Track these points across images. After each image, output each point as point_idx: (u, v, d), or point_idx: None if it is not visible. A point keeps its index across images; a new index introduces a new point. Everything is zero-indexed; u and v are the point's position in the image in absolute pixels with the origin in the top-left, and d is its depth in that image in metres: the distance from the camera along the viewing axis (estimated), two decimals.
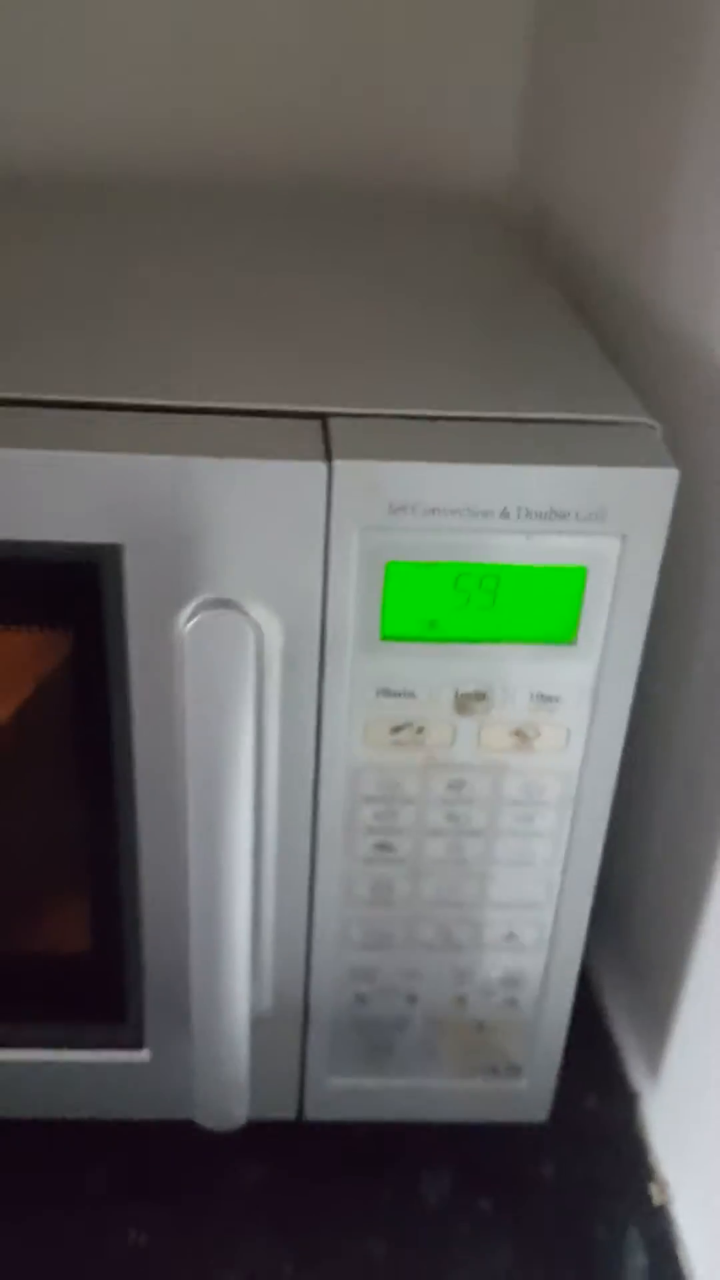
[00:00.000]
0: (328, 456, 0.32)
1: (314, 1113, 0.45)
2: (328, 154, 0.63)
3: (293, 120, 0.62)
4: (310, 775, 0.37)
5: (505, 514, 0.33)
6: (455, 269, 0.51)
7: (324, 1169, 0.47)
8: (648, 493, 0.33)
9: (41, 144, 0.61)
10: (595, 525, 0.33)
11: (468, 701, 0.36)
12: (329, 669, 0.35)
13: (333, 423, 0.33)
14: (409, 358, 0.39)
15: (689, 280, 0.44)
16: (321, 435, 0.33)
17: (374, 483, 0.32)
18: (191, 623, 0.32)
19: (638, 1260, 0.45)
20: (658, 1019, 0.49)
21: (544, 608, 0.35)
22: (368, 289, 0.47)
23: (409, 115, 0.63)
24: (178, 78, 0.61)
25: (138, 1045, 0.43)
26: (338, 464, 0.32)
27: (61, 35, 0.59)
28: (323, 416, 0.34)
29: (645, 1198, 0.47)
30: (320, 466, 0.32)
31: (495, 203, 0.64)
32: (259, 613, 0.34)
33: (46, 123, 0.61)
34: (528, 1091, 0.45)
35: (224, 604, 0.32)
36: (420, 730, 0.37)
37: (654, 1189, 0.47)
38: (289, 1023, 0.43)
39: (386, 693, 0.36)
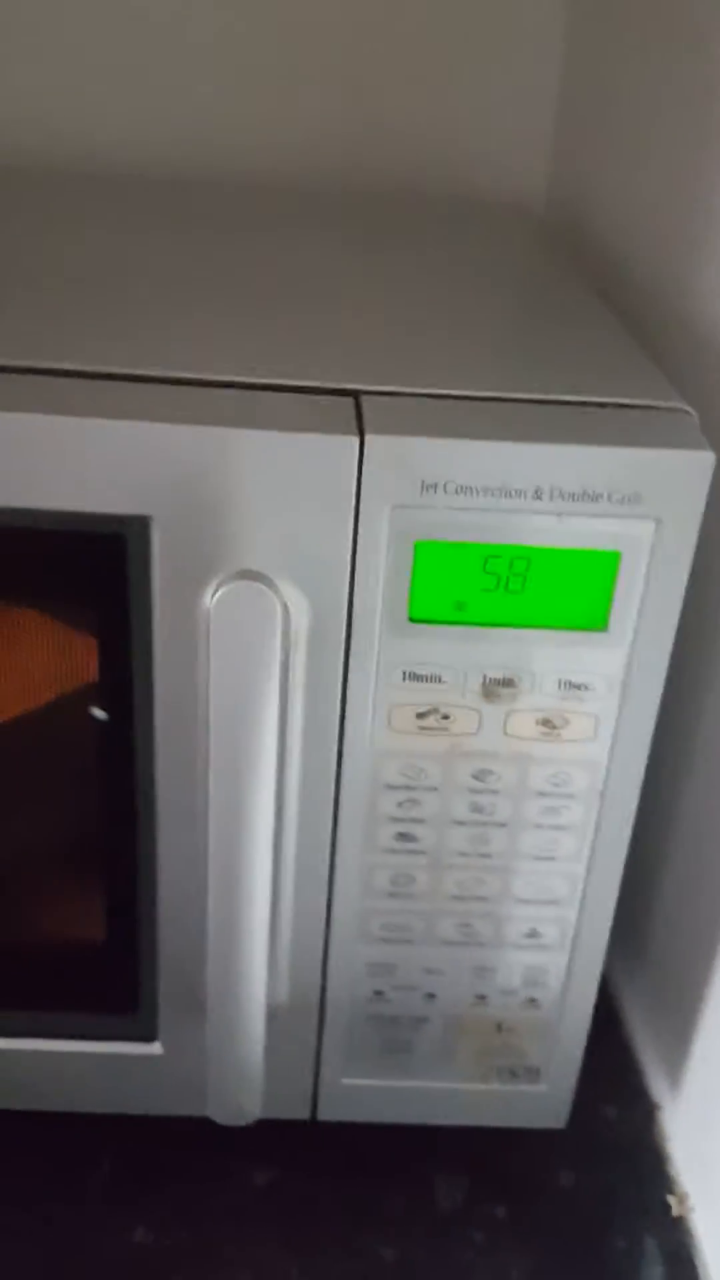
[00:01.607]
0: (360, 431, 0.32)
1: (327, 1113, 0.44)
2: (367, 159, 0.63)
3: (336, 125, 0.62)
4: (333, 761, 0.37)
5: (538, 494, 0.33)
6: (489, 263, 0.51)
7: (336, 1171, 0.46)
8: (683, 476, 0.33)
9: (116, 132, 0.61)
10: (629, 508, 0.33)
11: (495, 688, 0.36)
12: (355, 650, 0.35)
13: (365, 400, 0.33)
14: (442, 342, 0.39)
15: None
16: (354, 411, 0.33)
17: (406, 459, 0.32)
18: (218, 595, 0.31)
19: (655, 1271, 0.44)
20: (679, 1031, 0.48)
21: (575, 593, 0.34)
22: (403, 279, 0.47)
23: (446, 122, 0.63)
24: (229, 81, 0.61)
25: (150, 1038, 0.43)
26: (370, 439, 0.32)
27: (89, 29, 0.60)
28: (355, 394, 0.33)
29: (664, 1209, 0.46)
30: (352, 441, 0.31)
31: (530, 210, 0.64)
32: (287, 590, 0.33)
33: (115, 111, 0.61)
34: (547, 1095, 0.44)
35: (252, 576, 0.32)
36: (446, 716, 0.36)
37: (673, 1200, 0.46)
38: (304, 1018, 0.42)
39: (413, 676, 0.36)
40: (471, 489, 0.33)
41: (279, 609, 0.32)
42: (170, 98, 0.61)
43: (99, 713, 0.36)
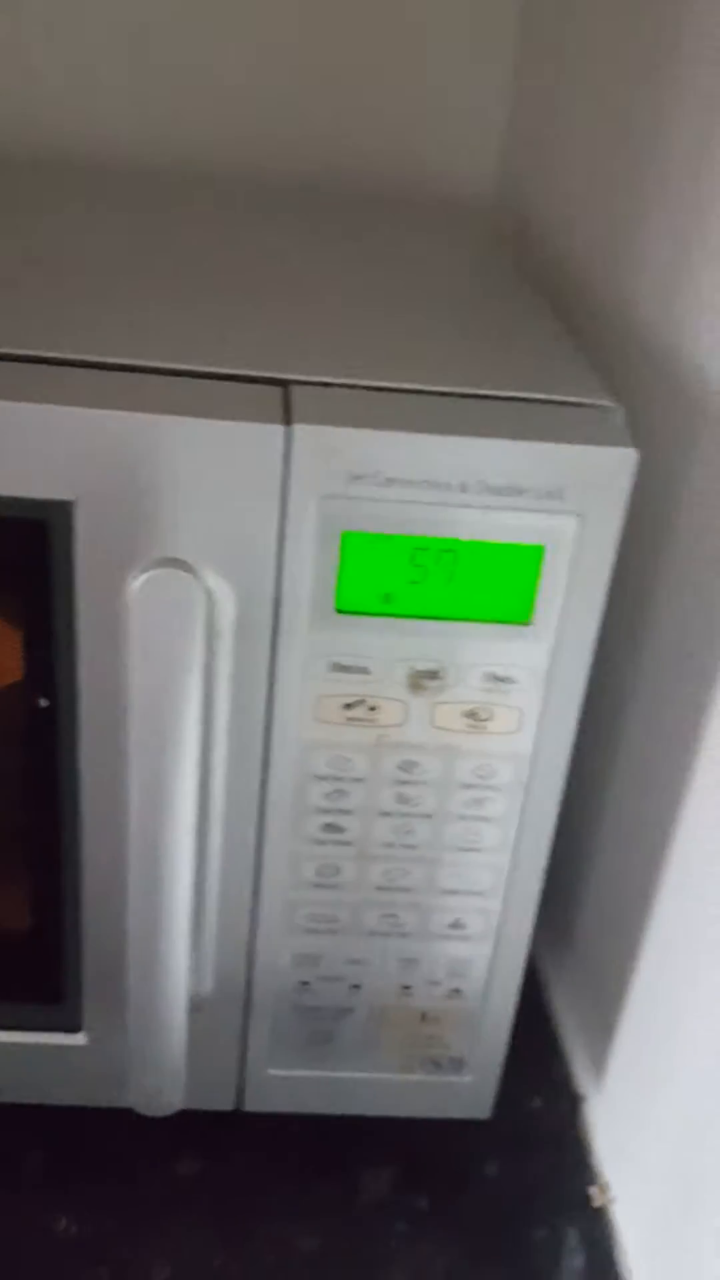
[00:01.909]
0: (287, 420, 0.32)
1: (253, 1104, 0.44)
2: (315, 155, 0.63)
3: (283, 119, 0.62)
4: (260, 751, 0.37)
5: (464, 487, 0.33)
6: (433, 259, 0.51)
7: (260, 1162, 0.46)
8: (606, 472, 0.33)
9: (39, 127, 0.61)
10: (553, 503, 0.33)
11: (421, 679, 0.36)
12: (282, 640, 0.35)
13: (294, 389, 0.33)
14: (375, 334, 0.39)
15: (660, 281, 0.44)
16: (282, 401, 0.33)
17: (333, 449, 0.32)
18: (140, 581, 0.31)
19: (576, 1261, 0.44)
20: (604, 1023, 0.48)
21: (500, 586, 0.35)
22: (340, 272, 0.47)
23: (396, 121, 0.63)
24: (176, 72, 0.61)
25: (75, 1028, 0.42)
26: (297, 428, 0.32)
27: (59, 21, 0.59)
28: (285, 383, 0.33)
29: (586, 1199, 0.46)
30: (278, 429, 0.31)
31: (479, 207, 0.64)
32: (212, 579, 0.33)
33: (27, 106, 0.61)
34: (471, 1086, 0.44)
35: (174, 563, 0.32)
36: (373, 708, 0.37)
37: (595, 1191, 0.47)
38: (230, 1009, 0.42)
39: (339, 667, 0.36)
40: (399, 481, 0.33)
41: (202, 596, 0.32)
42: (125, 90, 0.61)
43: (42, 701, 0.36)
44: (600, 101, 0.52)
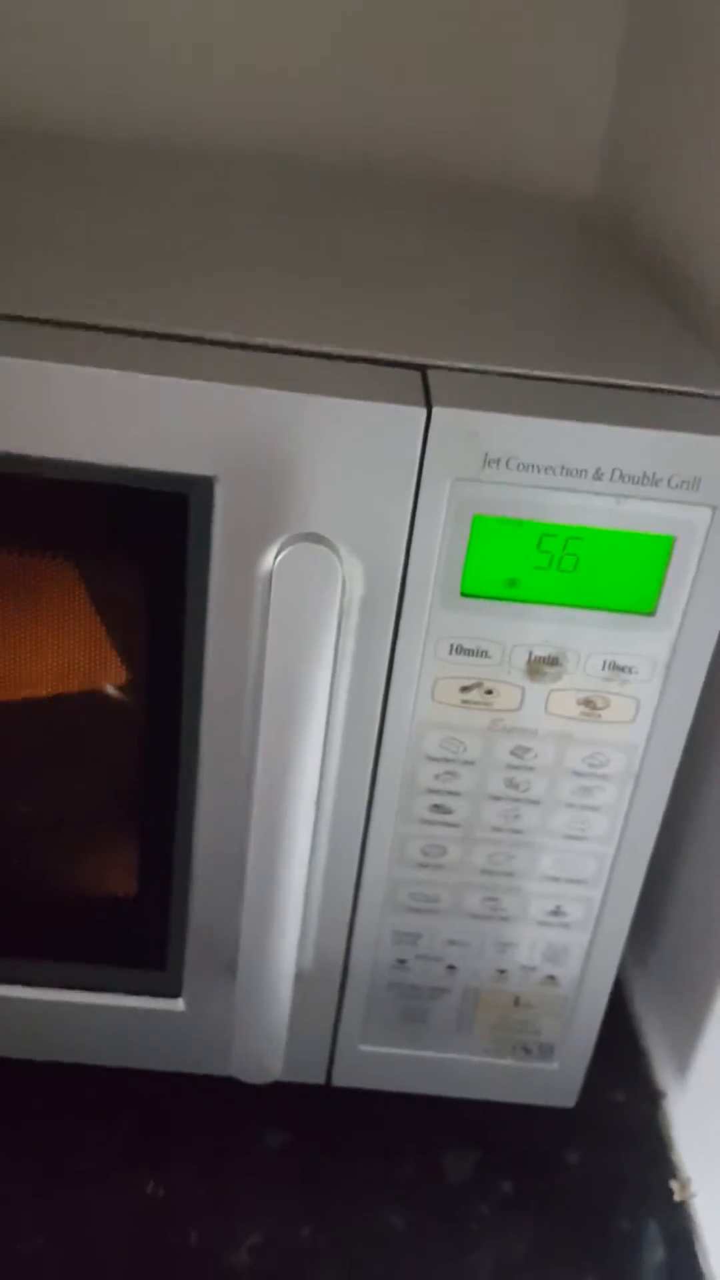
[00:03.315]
0: (427, 403, 0.32)
1: (342, 1079, 0.45)
2: (418, 149, 0.64)
3: (386, 111, 0.63)
4: (375, 729, 0.38)
5: (598, 475, 0.33)
6: (543, 252, 0.51)
7: (347, 1137, 0.46)
8: None
9: (145, 108, 0.62)
10: (687, 494, 0.33)
11: (540, 665, 0.36)
12: (406, 620, 0.35)
13: (432, 374, 0.34)
14: (505, 324, 0.40)
15: None
16: (422, 384, 0.33)
17: (471, 432, 0.32)
18: (282, 556, 0.32)
19: (656, 1254, 0.44)
20: (688, 1019, 0.48)
21: (626, 576, 0.35)
22: (462, 263, 0.47)
23: (502, 113, 0.63)
24: (277, 54, 0.62)
25: (174, 994, 0.43)
26: (437, 411, 0.32)
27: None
28: (423, 368, 0.34)
29: (666, 1193, 0.46)
30: (419, 412, 0.32)
31: (580, 204, 0.64)
32: (345, 556, 0.34)
33: (146, 88, 0.62)
34: (559, 1074, 0.45)
35: (315, 538, 0.32)
36: (490, 691, 0.37)
37: (675, 1185, 0.47)
38: (327, 983, 0.43)
39: (460, 650, 0.36)
40: (533, 466, 0.33)
41: (339, 572, 0.32)
42: (251, 77, 0.62)
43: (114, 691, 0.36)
44: (709, 91, 0.51)
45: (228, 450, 0.33)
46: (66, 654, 0.38)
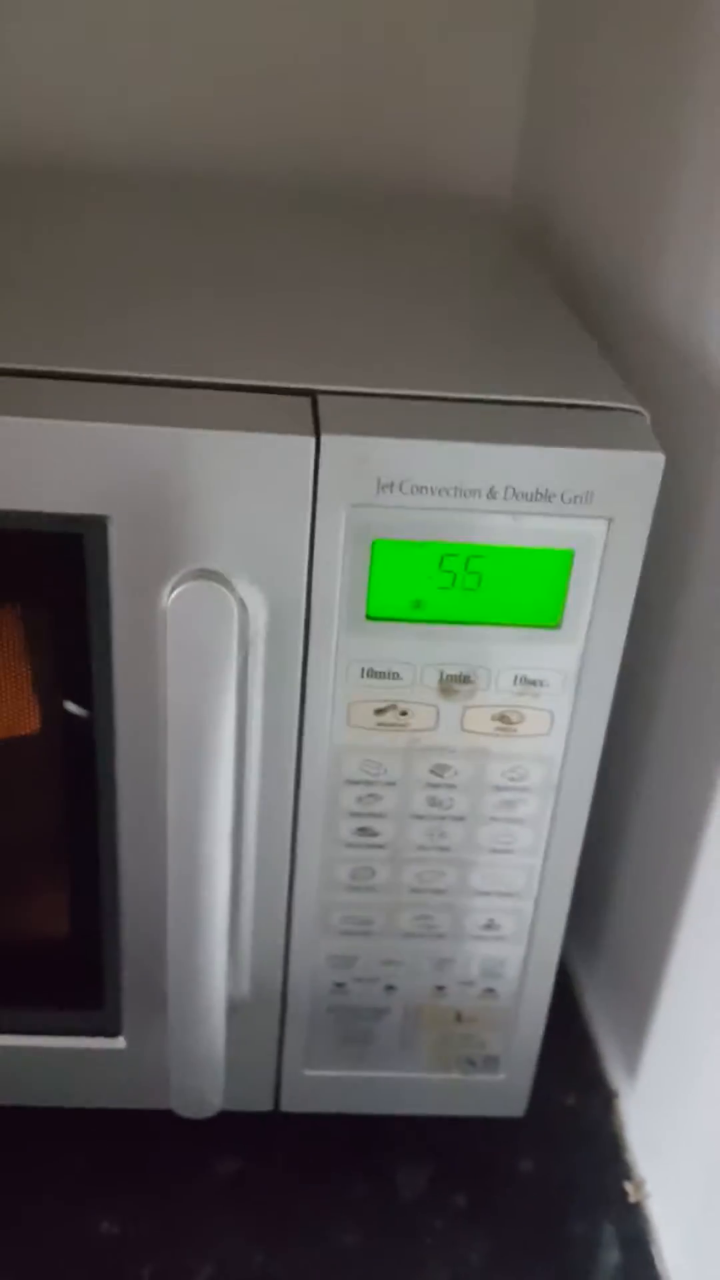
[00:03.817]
0: (316, 432, 0.32)
1: (290, 1104, 0.45)
2: (329, 156, 0.63)
3: (295, 121, 0.62)
4: (293, 757, 0.37)
5: (492, 494, 0.33)
6: (451, 262, 0.51)
7: (299, 1161, 0.46)
8: (634, 476, 0.33)
9: (46, 135, 0.62)
10: (582, 508, 0.34)
11: (452, 684, 0.36)
12: (314, 647, 0.35)
13: (322, 399, 0.33)
14: (400, 341, 0.40)
15: (684, 282, 0.44)
16: (311, 411, 0.33)
17: (362, 459, 0.32)
18: (175, 594, 0.32)
19: (612, 1257, 0.45)
20: (636, 1018, 0.49)
21: (530, 591, 0.35)
22: (362, 277, 0.47)
23: (411, 120, 0.63)
24: (186, 76, 0.61)
25: (114, 1032, 0.43)
26: (326, 439, 0.32)
27: (67, 30, 0.60)
28: (312, 394, 0.34)
29: (621, 1195, 0.47)
30: (308, 441, 0.32)
31: (497, 207, 0.64)
32: (245, 588, 0.34)
33: (49, 114, 0.61)
34: (505, 1084, 0.45)
35: (208, 575, 0.32)
36: (404, 713, 0.37)
37: (630, 1186, 0.47)
38: (266, 1011, 0.43)
39: (371, 673, 0.36)
40: (428, 488, 0.33)
41: (235, 607, 0.32)
42: (123, 94, 0.61)
43: (75, 708, 0.36)
44: (620, 98, 0.52)
45: (119, 489, 0.32)
46: None
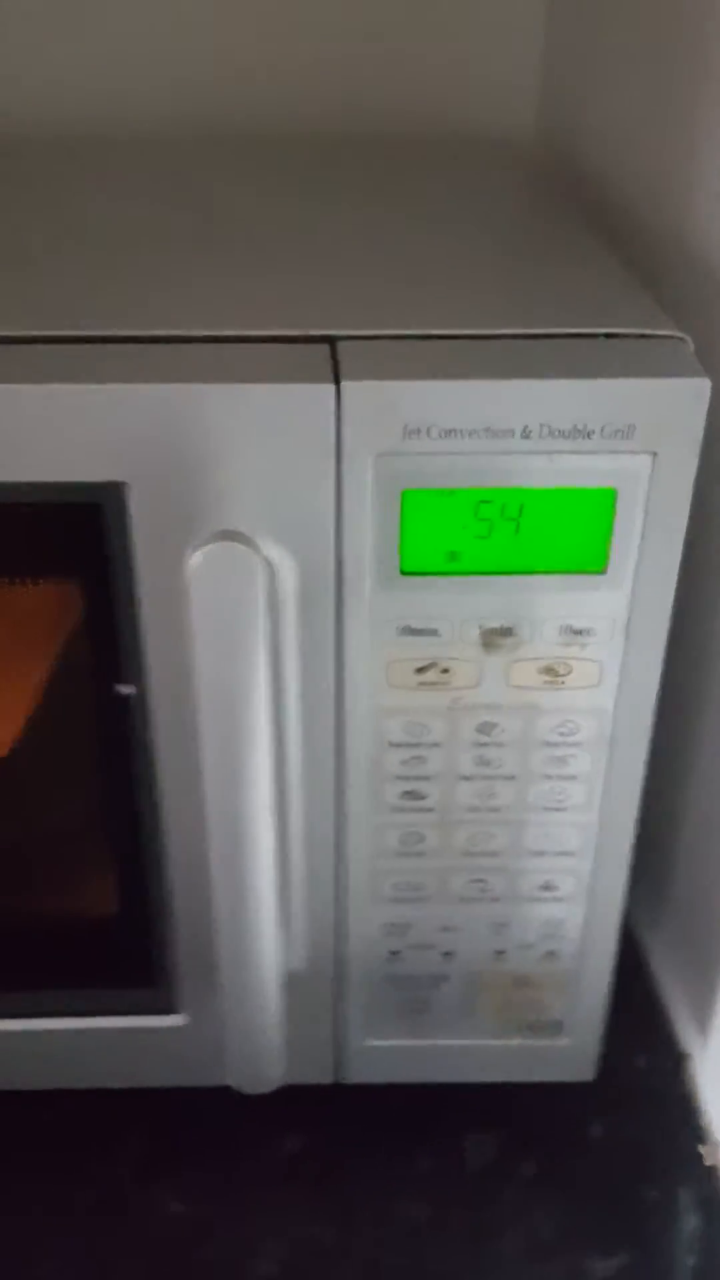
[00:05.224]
0: (336, 378, 0.30)
1: (352, 1076, 0.44)
2: (343, 102, 0.61)
3: (307, 65, 0.60)
4: (332, 722, 0.36)
5: (526, 433, 0.31)
6: (474, 198, 0.49)
7: (364, 1134, 0.45)
8: (679, 405, 0.31)
9: (41, 97, 0.60)
10: (623, 443, 0.32)
11: (494, 637, 0.35)
12: (348, 607, 0.34)
13: (341, 345, 0.32)
14: (421, 282, 0.38)
15: (715, 210, 0.42)
16: (330, 358, 0.31)
17: (385, 404, 0.31)
18: (197, 556, 0.30)
19: (689, 1221, 0.43)
20: (706, 978, 0.47)
21: (572, 535, 0.33)
22: (380, 221, 0.45)
23: (432, 57, 0.61)
24: (190, 21, 0.59)
25: (171, 1010, 0.42)
26: (346, 385, 0.30)
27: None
28: (330, 340, 0.32)
29: (696, 1158, 0.45)
30: (328, 388, 0.30)
31: (519, 143, 0.62)
32: (272, 549, 0.32)
33: (49, 74, 0.60)
34: (571, 1049, 0.43)
35: (231, 535, 0.31)
36: (446, 670, 0.35)
37: (705, 1150, 0.45)
38: (323, 982, 0.42)
39: (409, 630, 0.35)
40: (457, 432, 0.31)
41: (261, 567, 0.31)
42: (149, 44, 0.60)
43: (125, 688, 0.35)
44: (642, 24, 0.49)
45: (134, 452, 0.31)
46: (12, 677, 0.37)
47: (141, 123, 0.61)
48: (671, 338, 0.33)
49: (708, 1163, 0.45)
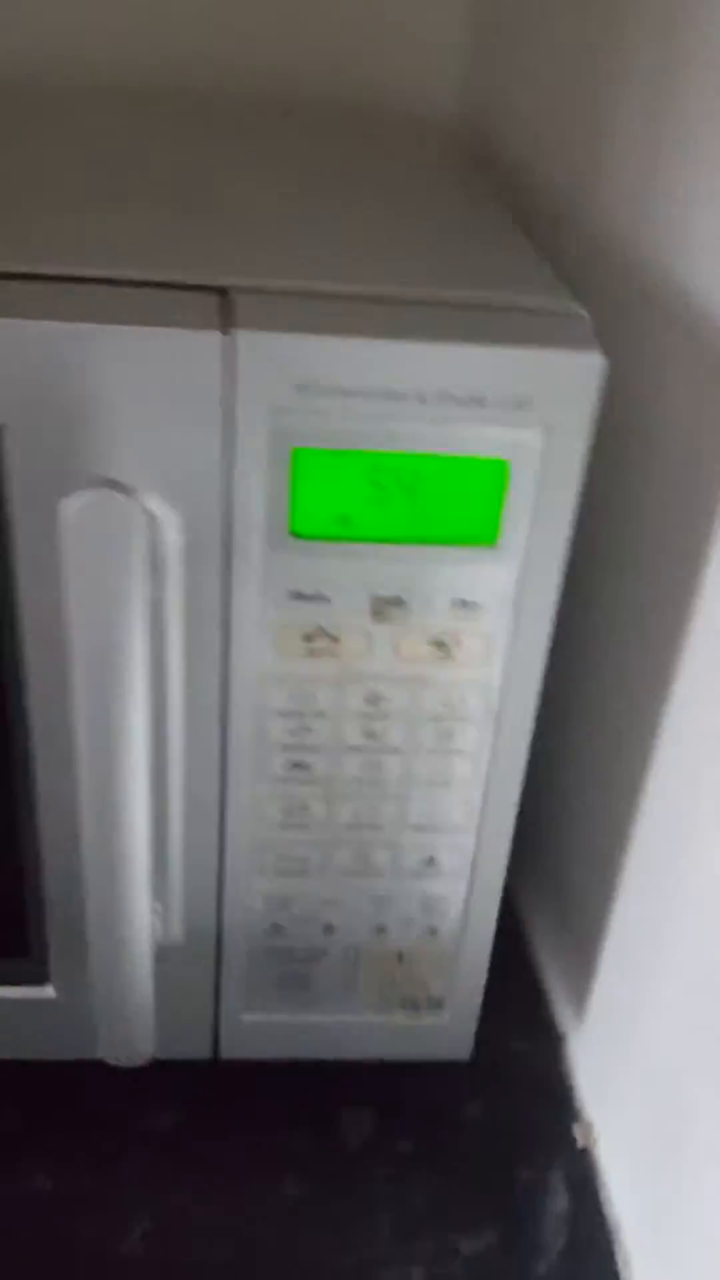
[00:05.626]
0: (228, 327, 0.30)
1: (230, 1051, 0.43)
2: (273, 73, 0.60)
3: (239, 36, 0.59)
4: (217, 687, 0.35)
5: (422, 398, 0.31)
6: (387, 169, 0.49)
7: (239, 1111, 0.45)
8: (573, 380, 0.31)
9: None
10: (518, 414, 0.31)
11: (384, 607, 0.34)
12: (235, 568, 0.33)
13: (236, 295, 0.31)
14: (327, 241, 0.37)
15: (630, 196, 0.42)
16: (220, 308, 0.30)
17: (279, 357, 0.30)
18: (72, 506, 0.29)
19: (559, 1202, 0.43)
20: (584, 960, 0.47)
21: (464, 506, 0.33)
22: (293, 183, 0.44)
23: (354, 36, 0.60)
24: None
25: (42, 981, 0.41)
26: (240, 334, 0.29)
27: None
28: (226, 290, 0.31)
29: (569, 1140, 0.45)
30: (214, 335, 0.29)
31: (441, 124, 0.62)
32: (155, 502, 0.31)
33: None
34: (450, 1026, 0.43)
35: (110, 484, 0.30)
36: (335, 638, 0.35)
37: (578, 1131, 0.46)
38: (202, 956, 0.41)
39: (298, 596, 0.34)
40: (352, 392, 0.31)
41: (141, 519, 0.30)
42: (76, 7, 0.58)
43: None
44: (563, 11, 0.49)
45: (12, 393, 0.30)
46: None
47: (77, 75, 0.59)
48: (572, 315, 0.33)
49: (580, 1144, 0.45)
